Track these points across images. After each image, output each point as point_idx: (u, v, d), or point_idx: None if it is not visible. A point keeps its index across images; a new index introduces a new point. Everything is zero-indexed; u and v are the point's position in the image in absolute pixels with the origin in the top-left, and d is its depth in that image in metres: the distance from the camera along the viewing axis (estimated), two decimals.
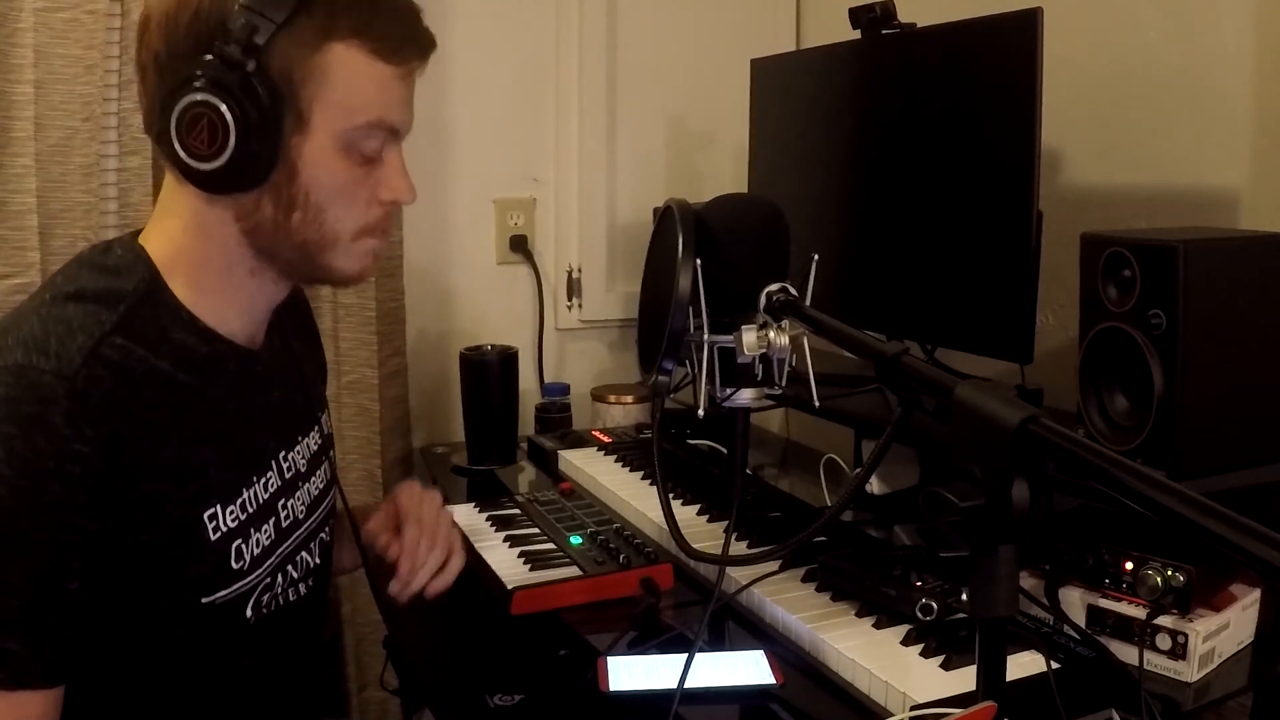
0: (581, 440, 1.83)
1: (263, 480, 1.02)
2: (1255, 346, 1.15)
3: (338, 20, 0.91)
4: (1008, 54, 1.33)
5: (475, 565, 1.35)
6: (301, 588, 1.09)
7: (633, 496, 1.52)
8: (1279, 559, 0.51)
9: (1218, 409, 1.12)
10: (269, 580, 1.02)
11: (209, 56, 0.88)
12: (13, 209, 1.66)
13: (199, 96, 0.88)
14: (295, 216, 0.95)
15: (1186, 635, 1.04)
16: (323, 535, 1.14)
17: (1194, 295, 1.08)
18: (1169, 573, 1.06)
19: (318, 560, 1.12)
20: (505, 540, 1.40)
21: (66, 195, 1.70)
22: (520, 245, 2.14)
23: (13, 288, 1.67)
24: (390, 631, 1.52)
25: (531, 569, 1.29)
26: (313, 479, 1.12)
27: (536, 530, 1.42)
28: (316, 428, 1.15)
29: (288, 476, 1.06)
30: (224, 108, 0.88)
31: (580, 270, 2.18)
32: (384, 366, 1.94)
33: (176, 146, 0.90)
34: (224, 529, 0.96)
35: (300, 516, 1.08)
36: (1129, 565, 1.10)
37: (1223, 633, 1.07)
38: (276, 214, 0.95)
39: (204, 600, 0.95)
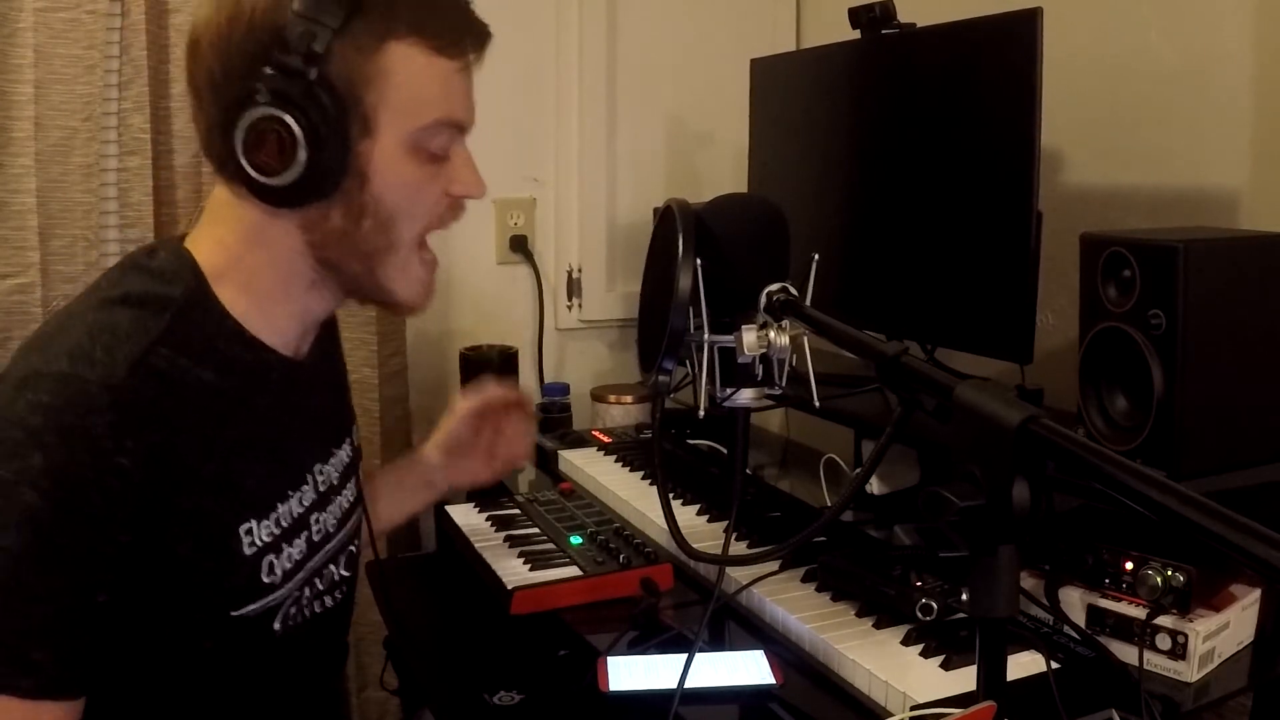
0: (581, 440, 1.83)
1: (298, 494, 1.01)
2: (1255, 346, 1.15)
3: (394, 20, 0.90)
4: (1008, 54, 1.33)
5: (475, 565, 1.36)
6: (328, 600, 1.08)
7: (633, 496, 1.52)
8: (1279, 559, 0.51)
9: (1218, 409, 1.12)
10: (297, 593, 1.01)
11: (268, 69, 0.87)
12: (13, 209, 1.67)
13: (263, 111, 0.86)
14: (365, 224, 0.93)
15: (1186, 635, 1.04)
16: (351, 548, 1.13)
17: (1194, 295, 1.08)
18: (1169, 573, 1.06)
19: (345, 573, 1.11)
20: (505, 540, 1.40)
21: (66, 195, 1.70)
22: (520, 245, 2.14)
23: (13, 288, 1.68)
24: (390, 631, 1.52)
25: (531, 569, 1.29)
26: (344, 492, 1.11)
27: (536, 530, 1.42)
28: (349, 440, 1.14)
29: (322, 490, 1.05)
30: (290, 119, 0.86)
31: (580, 270, 2.18)
32: (384, 366, 1.94)
33: (244, 164, 0.88)
34: (259, 543, 0.95)
35: (331, 530, 1.07)
36: (1129, 565, 1.10)
37: (1223, 633, 1.07)
38: (345, 224, 0.93)
39: (234, 613, 0.94)
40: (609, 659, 1.09)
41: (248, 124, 0.87)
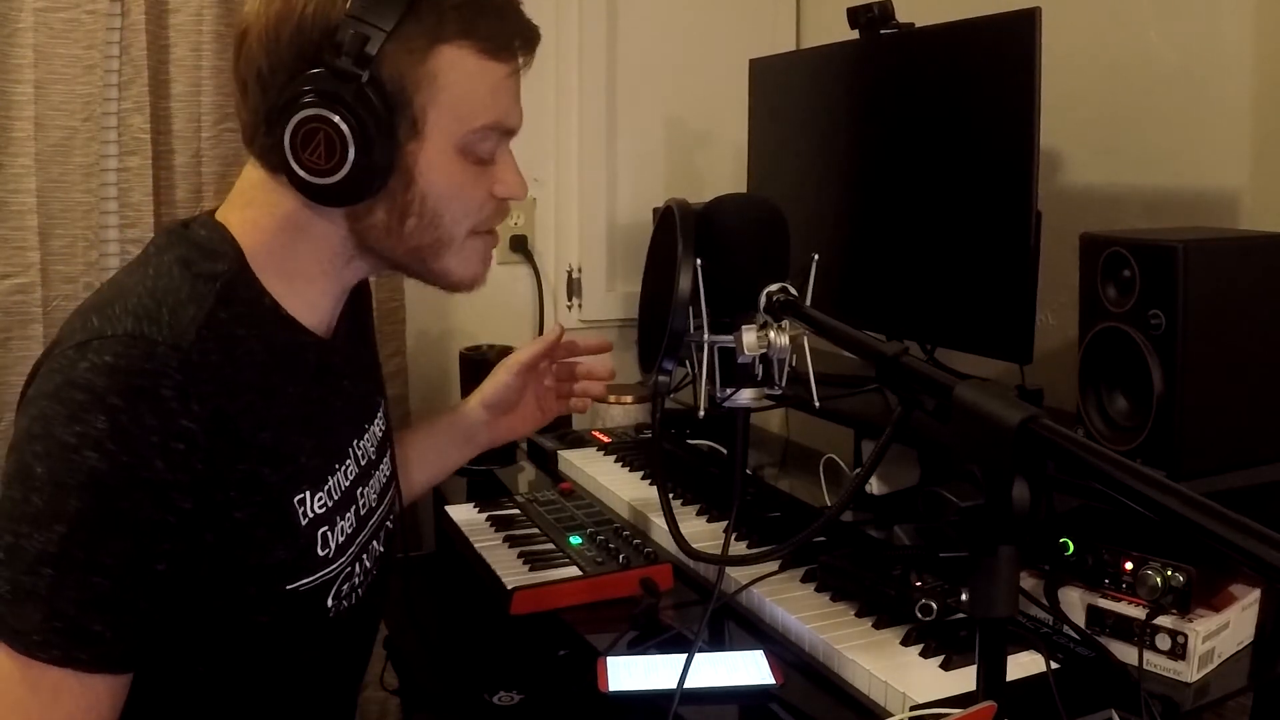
0: (581, 440, 1.83)
1: (344, 468, 1.01)
2: (1255, 346, 1.15)
3: (445, 23, 0.90)
4: (1007, 54, 1.33)
5: (475, 565, 1.36)
6: (371, 578, 1.08)
7: (633, 497, 1.52)
8: (1279, 559, 0.51)
9: (1218, 409, 1.12)
10: (349, 569, 1.01)
11: (318, 69, 0.87)
12: (13, 209, 1.67)
13: (314, 111, 0.86)
14: (410, 223, 0.94)
15: (1186, 635, 1.04)
16: (388, 524, 1.13)
17: (1194, 295, 1.08)
18: (1169, 573, 1.06)
19: (383, 549, 1.11)
20: (505, 540, 1.40)
21: (66, 195, 1.70)
22: (520, 245, 2.14)
23: (13, 287, 1.68)
24: (390, 631, 1.52)
25: (531, 569, 1.29)
26: (381, 466, 1.11)
27: (536, 530, 1.42)
28: (381, 413, 1.14)
29: (362, 464, 1.06)
30: (340, 121, 0.86)
31: (580, 270, 2.18)
32: (384, 366, 1.93)
33: (292, 163, 0.88)
34: (312, 514, 0.95)
35: (374, 504, 1.07)
36: (1129, 565, 1.10)
37: (1222, 633, 1.07)
38: (390, 220, 0.94)
39: (288, 587, 0.94)
40: (609, 659, 1.09)
41: (297, 123, 0.87)
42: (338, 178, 0.88)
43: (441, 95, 0.91)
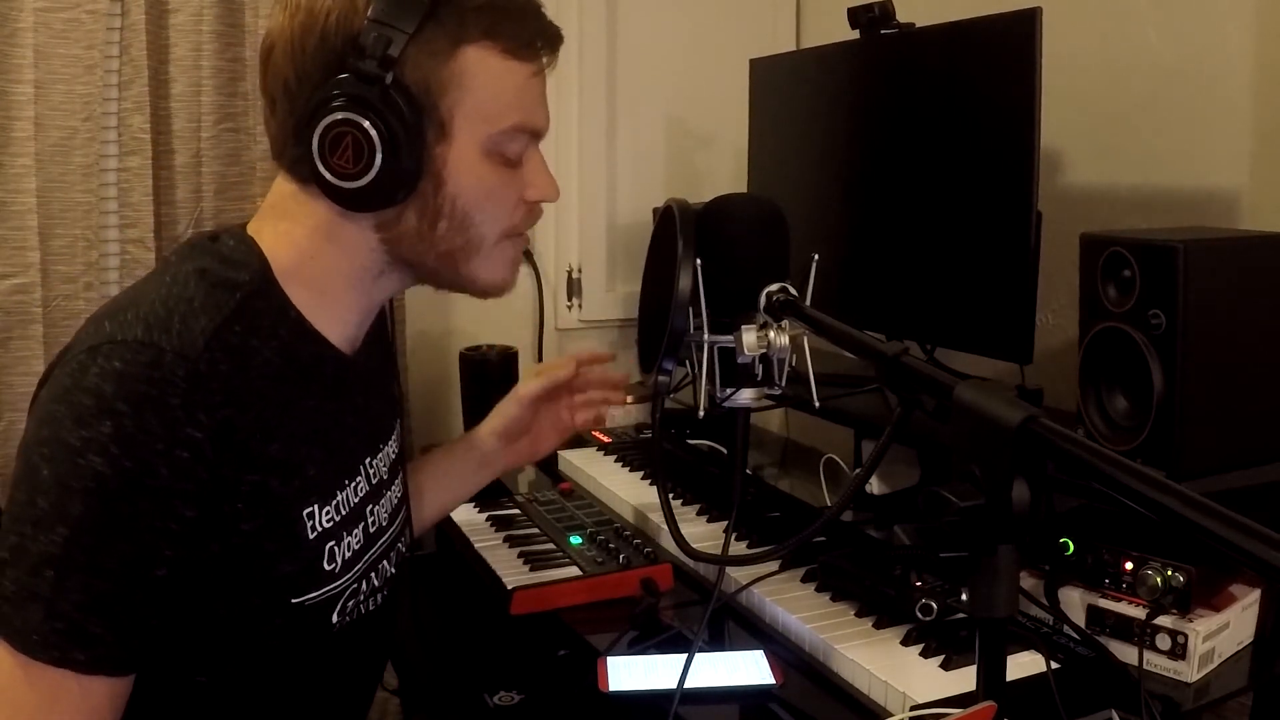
0: (581, 440, 1.83)
1: (354, 484, 1.01)
2: (1255, 346, 1.15)
3: (467, 24, 0.90)
4: (1007, 54, 1.33)
5: (475, 565, 1.36)
6: (379, 597, 1.08)
7: (633, 496, 1.52)
8: (1279, 559, 0.51)
9: (1218, 409, 1.12)
10: (355, 585, 1.01)
11: (343, 75, 0.87)
12: (13, 209, 1.67)
13: (340, 115, 0.87)
14: (441, 226, 0.94)
15: (1186, 635, 1.04)
16: (400, 545, 1.13)
17: (1194, 295, 1.08)
18: (1169, 573, 1.06)
19: (393, 570, 1.11)
20: (505, 540, 1.40)
21: (66, 195, 1.70)
22: None
23: (13, 288, 1.68)
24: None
25: (531, 569, 1.30)
26: (393, 486, 1.11)
27: (536, 530, 1.42)
28: (395, 435, 1.14)
29: (374, 482, 1.05)
30: (366, 123, 0.87)
31: (580, 270, 2.18)
32: None
33: (321, 169, 0.89)
34: (320, 528, 0.95)
35: (384, 524, 1.07)
36: (1129, 565, 1.10)
37: (1222, 633, 1.07)
38: (420, 225, 0.94)
39: (294, 601, 0.94)
40: (609, 659, 1.09)
41: (324, 128, 0.88)
42: (366, 180, 0.88)
43: (467, 96, 0.91)
